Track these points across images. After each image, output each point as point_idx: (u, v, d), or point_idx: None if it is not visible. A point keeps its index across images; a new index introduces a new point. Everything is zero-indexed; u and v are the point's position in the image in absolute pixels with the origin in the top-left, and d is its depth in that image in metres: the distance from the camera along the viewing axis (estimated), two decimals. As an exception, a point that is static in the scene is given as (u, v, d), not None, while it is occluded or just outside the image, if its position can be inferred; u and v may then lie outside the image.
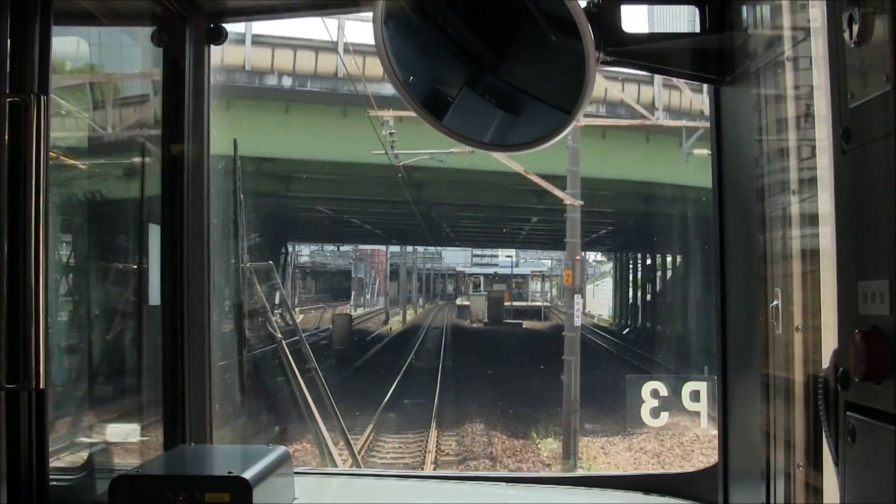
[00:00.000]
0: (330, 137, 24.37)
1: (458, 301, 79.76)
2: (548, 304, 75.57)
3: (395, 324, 58.04)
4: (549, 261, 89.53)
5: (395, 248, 72.48)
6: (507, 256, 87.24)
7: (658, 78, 22.76)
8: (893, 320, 1.51)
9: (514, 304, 66.82)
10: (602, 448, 20.76)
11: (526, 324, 59.52)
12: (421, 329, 51.00)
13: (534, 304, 74.78)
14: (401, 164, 23.06)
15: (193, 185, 3.39)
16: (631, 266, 55.50)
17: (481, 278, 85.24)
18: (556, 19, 2.25)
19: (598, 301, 76.70)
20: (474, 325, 57.90)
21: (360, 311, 67.99)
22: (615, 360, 35.62)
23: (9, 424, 2.23)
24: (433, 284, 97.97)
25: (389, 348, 40.58)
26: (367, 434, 20.84)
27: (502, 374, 30.60)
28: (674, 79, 19.03)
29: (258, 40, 22.89)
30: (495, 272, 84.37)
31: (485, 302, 62.88)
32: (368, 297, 75.90)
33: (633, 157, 26.29)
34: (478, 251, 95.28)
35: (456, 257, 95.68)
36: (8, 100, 2.19)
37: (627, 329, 49.12)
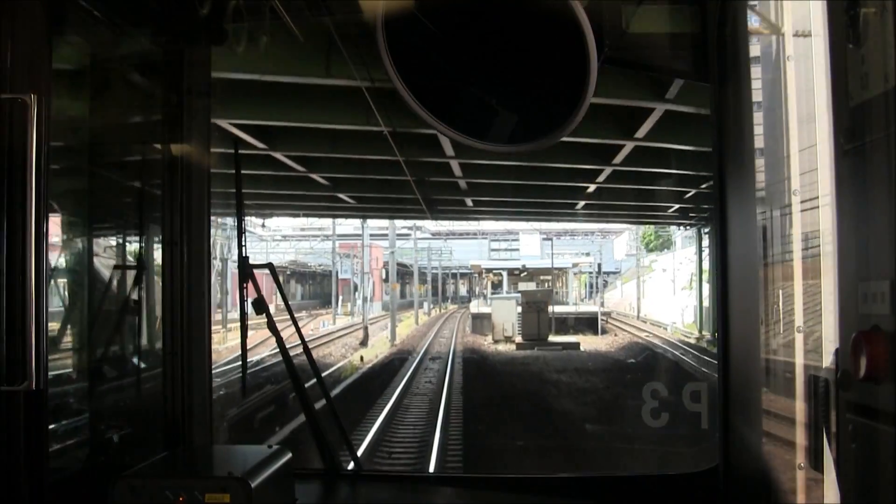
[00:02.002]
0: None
1: (473, 307, 55.01)
2: (604, 308, 50.88)
3: (375, 348, 33.79)
4: (572, 252, 69.41)
5: (385, 242, 50.21)
6: (546, 239, 65.23)
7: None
8: (894, 321, 1.51)
9: (555, 309, 42.65)
10: None
11: (585, 343, 35.66)
12: (409, 362, 26.92)
13: (583, 310, 50.00)
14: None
15: (193, 186, 3.38)
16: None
17: (504, 275, 64.97)
18: (558, 19, 2.25)
19: (652, 301, 54.51)
20: (501, 350, 33.93)
21: (340, 322, 47.94)
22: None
23: (7, 426, 2.22)
24: (440, 285, 79.64)
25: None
26: None
27: None
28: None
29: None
30: (523, 265, 63.42)
31: (515, 309, 39.07)
32: (360, 303, 53.29)
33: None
34: (495, 244, 79.10)
35: (468, 251, 77.85)
36: (7, 99, 2.19)
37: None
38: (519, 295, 41.35)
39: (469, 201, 24.72)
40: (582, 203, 24.85)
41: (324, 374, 18.40)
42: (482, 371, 25.04)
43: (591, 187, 22.25)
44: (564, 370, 24.48)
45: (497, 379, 23.74)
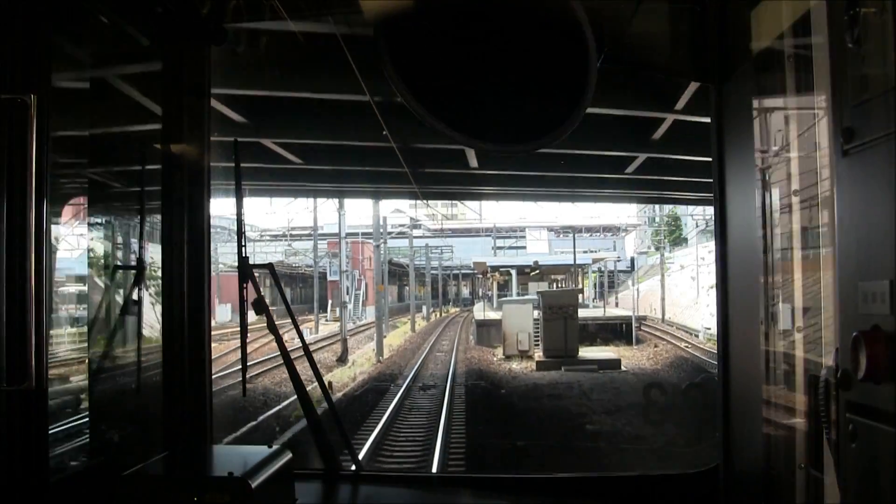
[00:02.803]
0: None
1: (478, 312, 46.01)
2: (639, 312, 40.79)
3: (355, 367, 26.95)
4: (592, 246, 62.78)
5: (371, 238, 42.22)
6: (565, 234, 58.26)
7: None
8: (894, 320, 1.51)
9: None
10: None
11: (627, 359, 27.84)
12: (390, 393, 20.49)
13: (612, 314, 41.86)
14: None
15: (193, 186, 3.38)
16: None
17: (512, 273, 57.05)
18: (558, 19, 2.25)
19: (675, 302, 47.85)
20: (515, 371, 25.89)
21: (325, 330, 41.11)
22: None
23: (7, 426, 2.22)
24: (440, 286, 73.89)
25: None
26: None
27: None
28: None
29: None
30: (535, 262, 55.75)
31: (530, 315, 30.23)
32: (351, 309, 45.61)
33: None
34: (500, 241, 74.69)
35: (471, 249, 72.16)
36: (7, 99, 2.19)
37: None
38: (536, 297, 32.69)
39: (474, 161, 17.17)
40: (634, 165, 17.82)
41: (268, 413, 14.87)
42: (493, 409, 17.39)
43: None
44: (618, 409, 16.30)
45: (516, 425, 15.22)
